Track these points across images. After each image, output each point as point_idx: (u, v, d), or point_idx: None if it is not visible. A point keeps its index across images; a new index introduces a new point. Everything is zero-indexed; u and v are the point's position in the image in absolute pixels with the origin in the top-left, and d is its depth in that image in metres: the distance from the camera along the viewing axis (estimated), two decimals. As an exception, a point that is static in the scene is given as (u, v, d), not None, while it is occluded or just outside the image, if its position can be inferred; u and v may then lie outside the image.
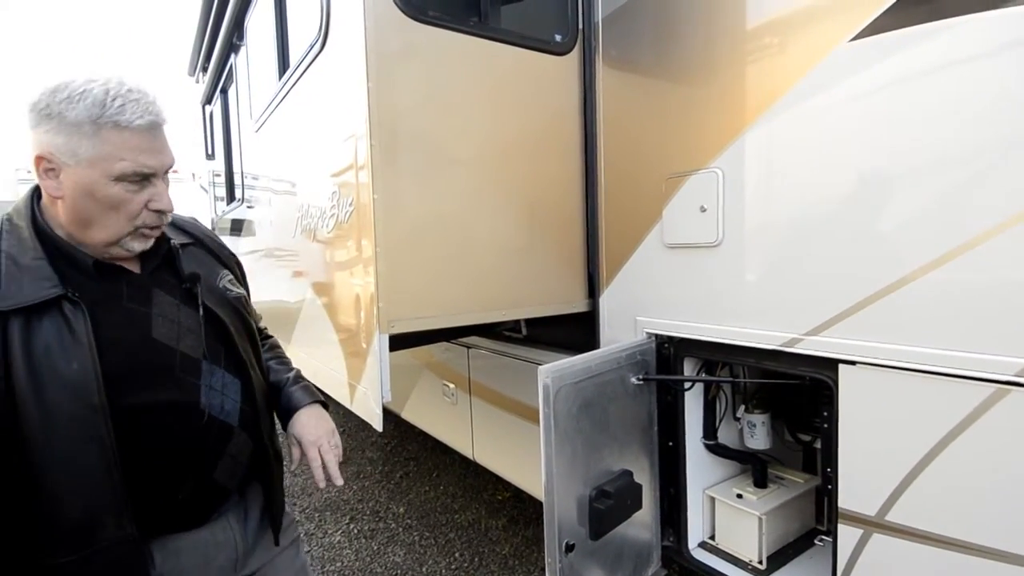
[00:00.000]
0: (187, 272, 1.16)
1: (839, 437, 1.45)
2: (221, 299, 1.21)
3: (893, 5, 1.29)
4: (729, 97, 1.66)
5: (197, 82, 5.54)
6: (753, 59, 1.60)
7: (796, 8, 1.48)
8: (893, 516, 1.36)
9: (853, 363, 1.40)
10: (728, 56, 1.66)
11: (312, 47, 1.99)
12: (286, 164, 2.66)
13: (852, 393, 1.42)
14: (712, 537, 2.07)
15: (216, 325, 1.18)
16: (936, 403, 1.27)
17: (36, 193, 1.06)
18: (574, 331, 2.26)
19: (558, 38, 2.08)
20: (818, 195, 1.47)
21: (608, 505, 1.69)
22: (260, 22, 2.93)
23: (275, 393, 1.38)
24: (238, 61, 3.58)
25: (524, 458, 2.62)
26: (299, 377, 1.43)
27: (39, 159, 0.97)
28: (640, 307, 2.01)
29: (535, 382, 1.61)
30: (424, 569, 2.89)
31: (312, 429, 1.31)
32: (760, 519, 1.88)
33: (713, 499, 2.05)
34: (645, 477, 1.92)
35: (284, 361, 1.47)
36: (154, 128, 1.01)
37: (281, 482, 1.32)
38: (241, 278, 1.34)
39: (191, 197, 10.46)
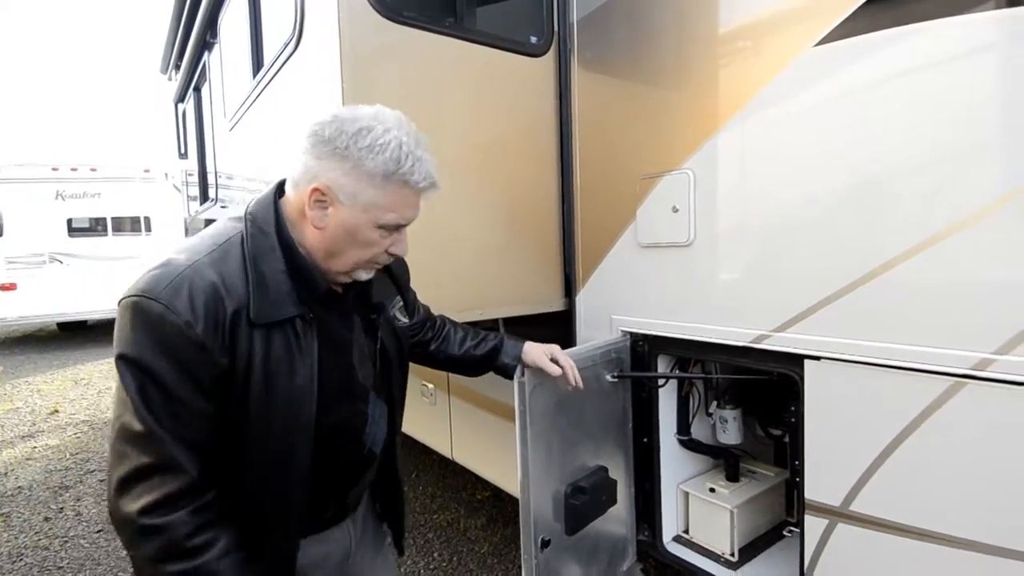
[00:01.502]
0: (375, 300, 1.20)
1: (805, 430, 1.49)
2: (391, 329, 1.26)
3: (856, 11, 1.34)
4: (700, 100, 1.70)
5: (170, 80, 5.44)
6: (723, 63, 1.64)
7: (764, 13, 1.52)
8: (856, 506, 1.41)
9: (818, 358, 1.44)
10: (699, 59, 1.70)
11: (286, 46, 1.98)
12: (260, 163, 2.64)
13: (817, 387, 1.46)
14: (686, 531, 2.11)
15: (384, 356, 1.23)
16: (896, 396, 1.32)
17: (278, 194, 1.06)
18: (551, 330, 2.28)
19: (533, 40, 2.10)
20: (784, 196, 1.51)
21: (583, 501, 1.71)
22: (233, 20, 2.90)
23: (494, 351, 1.55)
24: (211, 59, 3.53)
25: (503, 457, 2.64)
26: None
27: (316, 191, 0.98)
28: (615, 306, 2.04)
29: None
30: (402, 570, 2.88)
31: (547, 347, 1.57)
32: (732, 512, 1.92)
33: (687, 493, 2.09)
34: (620, 473, 1.95)
35: (477, 332, 1.61)
36: (428, 190, 1.05)
37: (403, 500, 1.41)
38: (409, 297, 1.37)
39: (164, 197, 10.30)
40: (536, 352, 1.55)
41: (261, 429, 0.99)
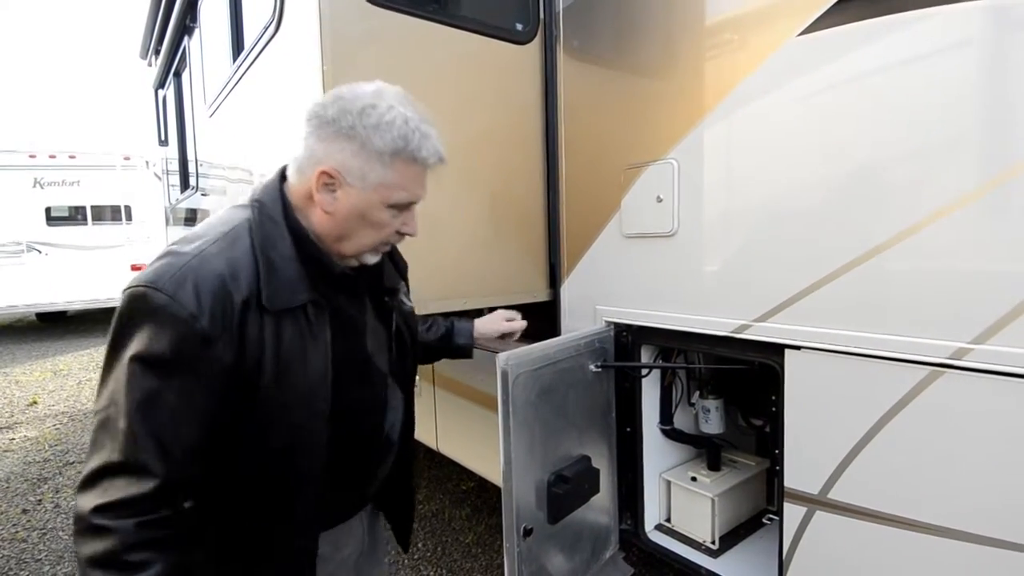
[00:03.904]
0: (388, 285, 1.18)
1: (785, 419, 1.50)
2: (402, 314, 1.24)
3: (839, 2, 1.33)
4: (684, 90, 1.69)
5: (150, 65, 5.33)
6: (708, 52, 1.63)
7: (749, 3, 1.52)
8: (835, 494, 1.42)
9: (798, 348, 1.45)
10: (684, 49, 1.69)
11: (266, 29, 1.94)
12: (241, 150, 2.59)
13: (797, 376, 1.47)
14: (668, 519, 2.12)
15: (400, 340, 1.21)
16: (874, 385, 1.33)
17: (282, 179, 1.03)
18: (537, 320, 2.27)
19: (519, 27, 2.08)
20: (765, 187, 1.51)
21: (566, 490, 1.72)
22: (213, 3, 2.83)
23: (447, 334, 1.57)
24: (191, 44, 3.46)
25: (488, 448, 2.63)
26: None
27: (324, 173, 0.95)
28: (600, 296, 2.04)
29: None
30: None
31: (495, 314, 1.62)
32: (713, 500, 1.94)
33: (669, 482, 2.10)
34: (603, 462, 1.95)
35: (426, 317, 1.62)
36: (436, 165, 1.03)
37: (414, 497, 1.41)
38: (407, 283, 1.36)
39: (145, 185, 10.13)
40: (488, 324, 1.58)
41: (274, 419, 0.96)
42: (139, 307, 0.86)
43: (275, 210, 0.99)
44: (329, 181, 0.96)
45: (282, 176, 1.04)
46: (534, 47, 2.10)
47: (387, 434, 1.18)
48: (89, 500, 0.84)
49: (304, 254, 0.98)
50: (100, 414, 0.87)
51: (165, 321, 0.85)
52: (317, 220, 1.00)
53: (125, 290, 0.89)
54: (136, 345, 0.85)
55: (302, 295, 0.97)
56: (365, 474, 1.18)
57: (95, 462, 0.86)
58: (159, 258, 0.91)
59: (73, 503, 0.90)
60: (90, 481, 0.86)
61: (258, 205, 0.99)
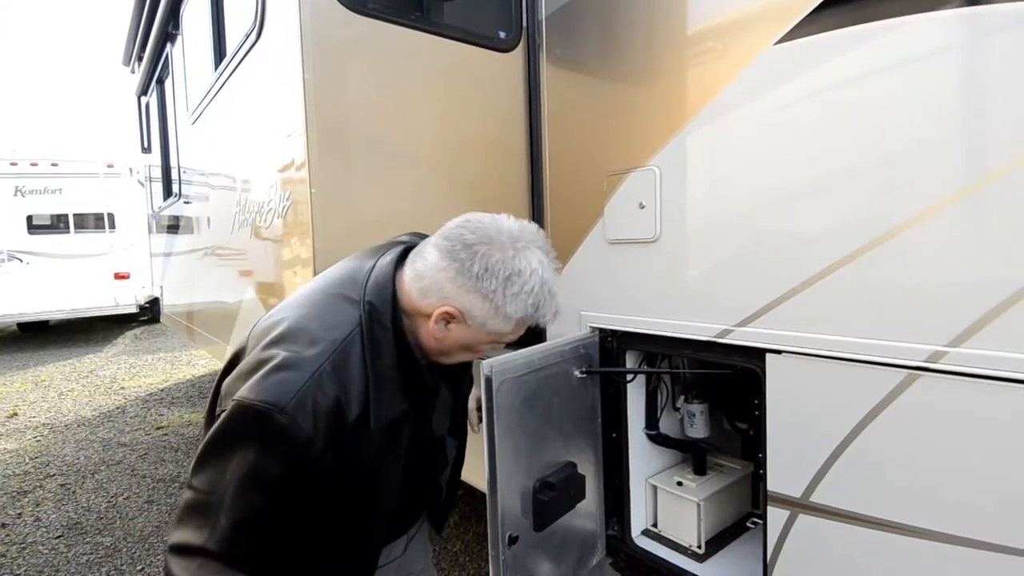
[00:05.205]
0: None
1: (767, 423, 1.52)
2: (468, 373, 1.30)
3: (813, 12, 1.35)
4: (665, 97, 1.71)
5: (132, 72, 5.29)
6: (689, 61, 1.65)
7: (727, 12, 1.54)
8: (816, 497, 1.43)
9: (779, 352, 1.47)
10: (665, 57, 1.71)
11: (248, 36, 1.94)
12: (223, 157, 2.58)
13: (778, 381, 1.48)
14: (655, 524, 2.12)
15: (462, 403, 1.29)
16: (853, 389, 1.34)
17: (394, 277, 1.03)
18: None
19: (502, 35, 2.09)
20: (745, 192, 1.53)
21: (551, 496, 1.71)
22: (196, 10, 2.82)
23: None
24: (174, 51, 3.44)
25: (474, 454, 2.62)
26: None
27: (449, 313, 0.98)
28: (584, 301, 2.04)
29: (482, 377, 1.61)
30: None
31: (475, 393, 1.58)
32: (699, 505, 1.95)
33: (655, 487, 2.11)
34: (589, 468, 1.95)
35: None
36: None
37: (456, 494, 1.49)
38: None
39: (128, 193, 10.03)
40: (471, 397, 1.58)
41: (344, 515, 1.03)
42: (258, 424, 0.88)
43: (385, 315, 1.00)
44: (449, 319, 0.99)
45: (397, 262, 1.05)
46: (517, 55, 2.11)
47: (441, 486, 1.29)
48: (181, 570, 0.90)
49: (404, 363, 1.01)
50: (199, 494, 0.91)
51: (282, 443, 0.88)
52: (423, 337, 1.03)
53: (242, 400, 0.90)
54: (250, 458, 0.89)
55: (398, 408, 1.01)
56: (414, 517, 1.31)
57: (193, 538, 0.90)
58: (275, 370, 0.91)
59: (165, 553, 0.95)
60: (186, 552, 0.91)
61: (369, 308, 0.99)
